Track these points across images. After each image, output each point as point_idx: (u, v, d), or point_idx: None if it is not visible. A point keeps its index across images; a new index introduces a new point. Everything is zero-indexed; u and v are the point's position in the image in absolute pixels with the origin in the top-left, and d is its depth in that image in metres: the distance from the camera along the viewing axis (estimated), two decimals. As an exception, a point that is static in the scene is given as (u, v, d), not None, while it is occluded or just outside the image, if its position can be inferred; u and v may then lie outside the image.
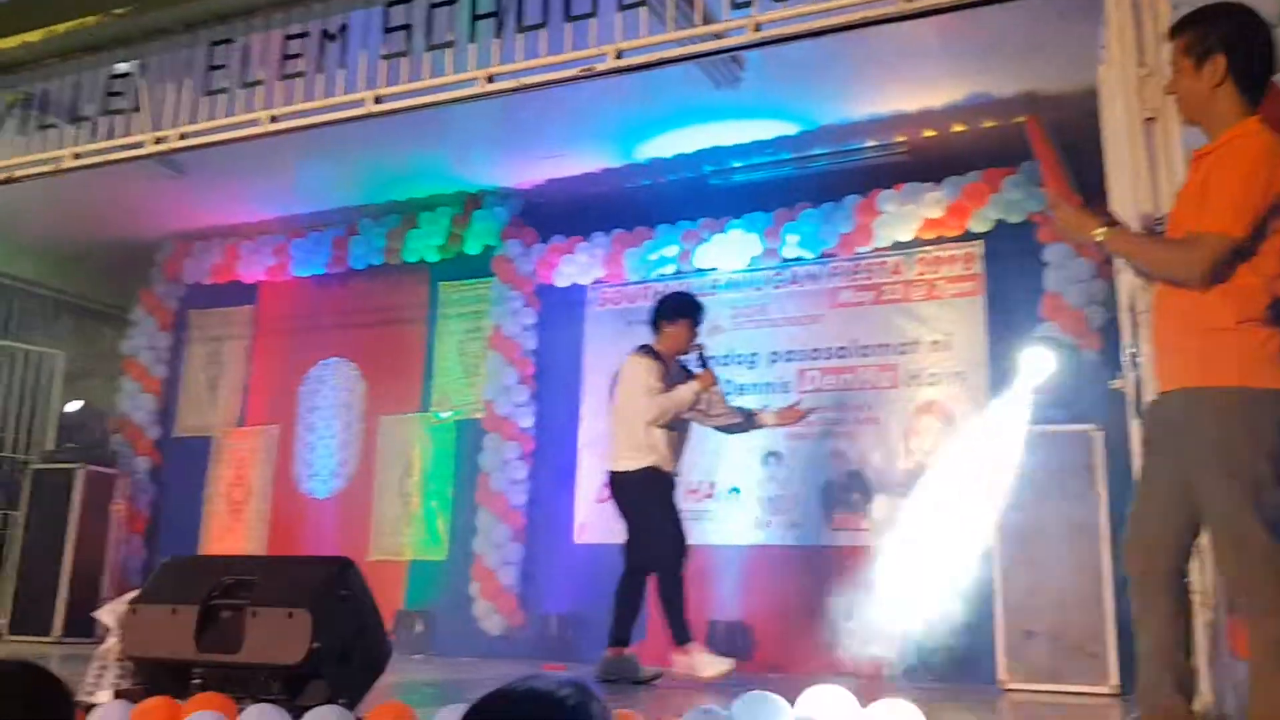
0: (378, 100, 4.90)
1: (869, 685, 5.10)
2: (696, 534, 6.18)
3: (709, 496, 7.14)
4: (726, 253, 7.19)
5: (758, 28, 4.38)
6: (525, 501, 7.51)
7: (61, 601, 7.98)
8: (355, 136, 5.76)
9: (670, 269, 7.36)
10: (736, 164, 7.20)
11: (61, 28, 5.77)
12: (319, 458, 8.43)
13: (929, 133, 6.78)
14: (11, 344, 9.61)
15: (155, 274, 9.29)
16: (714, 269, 7.28)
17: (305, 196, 8.12)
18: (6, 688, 1.63)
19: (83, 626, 7.77)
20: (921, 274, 6.94)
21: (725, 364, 7.07)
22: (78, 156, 5.76)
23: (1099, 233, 2.78)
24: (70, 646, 7.35)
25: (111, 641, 3.70)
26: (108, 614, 3.76)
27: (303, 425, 8.55)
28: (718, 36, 4.40)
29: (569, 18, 4.53)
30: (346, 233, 8.35)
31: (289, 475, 8.51)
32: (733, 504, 7.08)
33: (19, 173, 5.97)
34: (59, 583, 8.02)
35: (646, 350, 5.51)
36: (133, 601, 3.67)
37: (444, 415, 8.00)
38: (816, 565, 6.58)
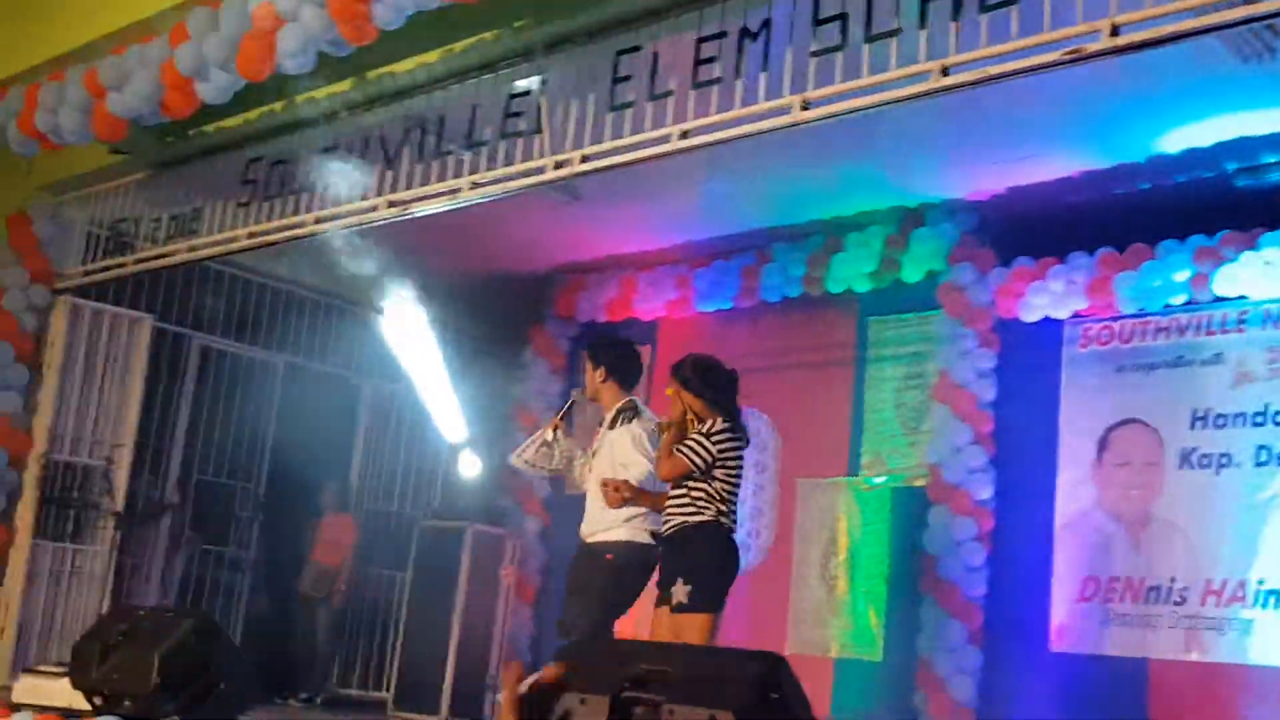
0: (805, 106, 4.83)
1: None
2: (1224, 649, 5.68)
3: (1238, 600, 6.32)
4: (1259, 275, 6.62)
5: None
6: (984, 594, 7.20)
7: (448, 675, 8.13)
8: (771, 149, 5.79)
9: (1180, 298, 6.89)
10: (1271, 159, 6.69)
11: (459, 46, 6.00)
12: None
13: None
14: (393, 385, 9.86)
15: (546, 311, 9.53)
16: (1242, 297, 6.76)
17: (711, 220, 8.19)
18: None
19: (471, 704, 7.89)
20: None
21: (1260, 424, 6.39)
22: (475, 186, 5.95)
23: None
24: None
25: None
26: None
27: None
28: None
29: (1051, -11, 4.26)
30: (758, 260, 8.30)
31: None
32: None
33: (416, 206, 6.23)
34: (446, 654, 8.14)
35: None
36: (532, 685, 3.58)
37: (877, 481, 7.80)
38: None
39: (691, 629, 5.40)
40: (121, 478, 8.20)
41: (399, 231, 7.31)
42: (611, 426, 5.72)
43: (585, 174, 5.57)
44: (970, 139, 6.58)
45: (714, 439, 5.48)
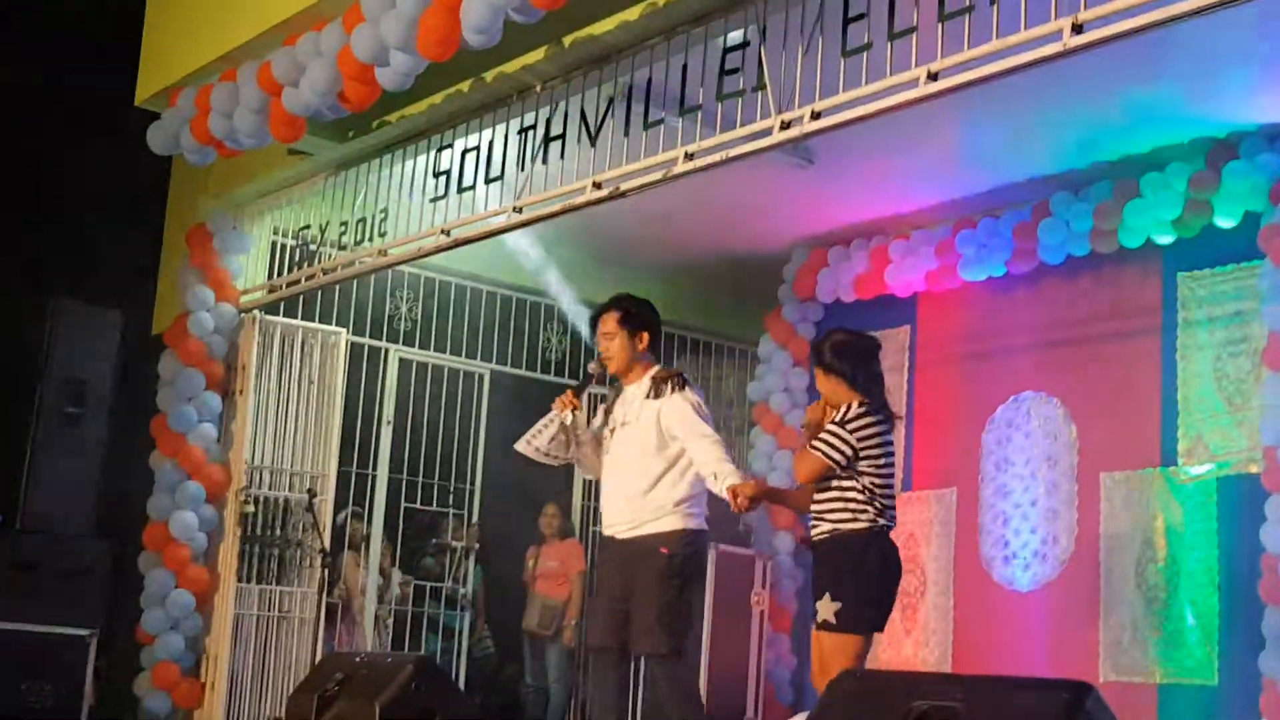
0: (1076, 29, 4.73)
1: None
2: None
3: None
4: None
5: None
6: (1345, 603, 6.96)
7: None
8: (1040, 84, 5.78)
9: None
10: None
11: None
12: (1017, 534, 8.35)
13: None
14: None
15: (784, 293, 9.61)
16: None
17: (974, 172, 8.16)
18: None
19: None
20: None
21: None
22: (690, 157, 6.02)
23: None
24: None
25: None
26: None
27: (990, 488, 8.50)
28: None
29: None
30: (1034, 215, 8.20)
31: (975, 558, 8.50)
32: None
33: (626, 185, 6.34)
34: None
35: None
36: None
37: (1199, 470, 7.63)
38: None
39: (836, 652, 5.39)
40: (326, 511, 8.61)
41: (608, 215, 7.50)
42: (654, 395, 5.74)
43: (818, 133, 5.59)
44: (1292, 50, 6.40)
45: (851, 426, 5.44)
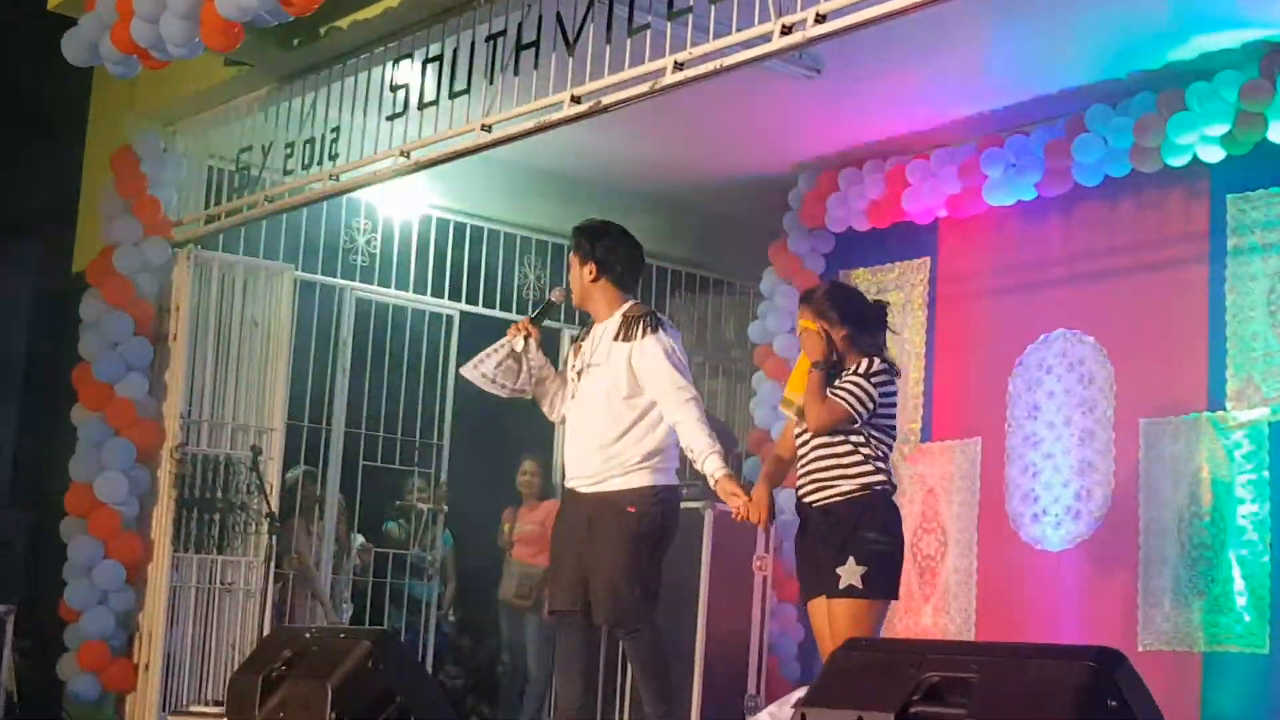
0: None
1: None
2: None
3: None
4: None
5: None
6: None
7: (695, 698, 8.21)
8: None
9: None
10: None
11: None
12: (1047, 488, 8.35)
13: None
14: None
15: (789, 221, 9.58)
16: None
17: (1001, 84, 8.15)
18: None
19: None
20: None
21: None
22: (680, 67, 5.95)
23: None
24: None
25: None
26: (767, 721, 3.87)
27: (1018, 437, 8.53)
28: None
29: None
30: (1068, 131, 8.17)
31: (1001, 515, 8.52)
32: None
33: (608, 99, 6.28)
34: (691, 670, 8.23)
35: None
36: (801, 703, 3.80)
37: (1249, 415, 7.64)
38: None
39: (860, 618, 5.57)
40: (273, 471, 8.57)
41: (588, 134, 7.47)
42: (623, 338, 5.77)
43: (825, 38, 5.50)
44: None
45: (874, 380, 5.57)
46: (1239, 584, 7.48)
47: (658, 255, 10.32)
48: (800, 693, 4.15)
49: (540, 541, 9.44)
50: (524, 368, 5.93)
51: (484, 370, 5.97)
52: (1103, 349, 8.23)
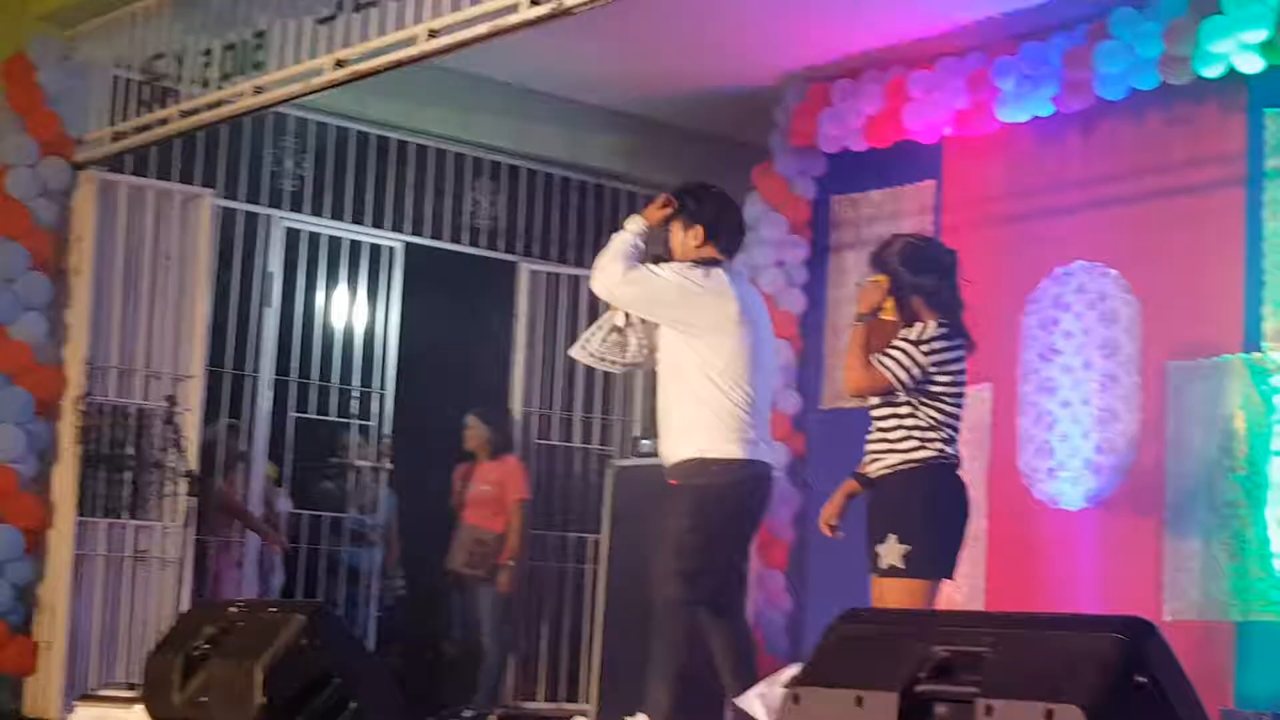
0: None
1: None
2: None
3: None
4: None
5: None
6: None
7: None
8: None
9: None
10: None
11: None
12: (1065, 439, 8.40)
13: None
14: (568, 270, 10.21)
15: (776, 140, 9.58)
16: None
17: None
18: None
19: (708, 716, 7.83)
20: None
21: None
22: None
23: None
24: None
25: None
26: (756, 702, 4.24)
27: (1032, 383, 8.60)
28: None
29: None
30: (1089, 39, 8.18)
31: (1012, 470, 8.60)
32: None
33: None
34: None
35: None
36: (792, 682, 3.83)
37: None
38: None
39: (902, 601, 5.74)
40: (192, 423, 8.52)
41: (549, 41, 7.49)
42: None
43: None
44: None
45: (926, 348, 5.74)
46: (1276, 545, 7.51)
47: (626, 178, 10.46)
48: (791, 671, 4.12)
49: (495, 503, 9.47)
50: (631, 341, 6.24)
51: (591, 349, 6.33)
52: (1126, 283, 8.27)
